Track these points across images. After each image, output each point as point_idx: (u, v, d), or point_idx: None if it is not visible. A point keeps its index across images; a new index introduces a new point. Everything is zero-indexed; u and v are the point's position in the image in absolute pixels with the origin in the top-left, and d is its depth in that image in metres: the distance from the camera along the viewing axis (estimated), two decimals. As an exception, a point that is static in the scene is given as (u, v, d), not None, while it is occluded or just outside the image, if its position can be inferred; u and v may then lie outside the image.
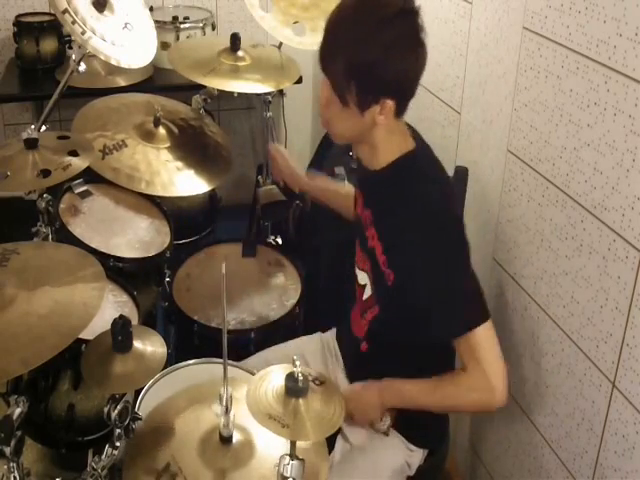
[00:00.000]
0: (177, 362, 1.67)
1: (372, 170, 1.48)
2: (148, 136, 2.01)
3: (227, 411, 1.15)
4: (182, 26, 2.82)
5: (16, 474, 1.15)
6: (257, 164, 3.03)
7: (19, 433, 1.14)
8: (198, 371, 1.65)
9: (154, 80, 2.78)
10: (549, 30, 1.48)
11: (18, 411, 1.17)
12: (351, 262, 1.73)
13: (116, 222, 1.98)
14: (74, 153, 1.64)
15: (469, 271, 1.44)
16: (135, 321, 1.66)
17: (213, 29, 2.96)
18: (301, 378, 1.07)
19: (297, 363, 1.07)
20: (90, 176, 1.91)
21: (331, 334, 1.83)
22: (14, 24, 2.77)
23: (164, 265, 2.03)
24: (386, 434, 1.57)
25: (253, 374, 1.52)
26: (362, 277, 1.59)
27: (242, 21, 3.02)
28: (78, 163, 1.61)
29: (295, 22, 2.22)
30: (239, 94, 2.14)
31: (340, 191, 1.94)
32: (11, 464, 1.15)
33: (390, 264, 1.45)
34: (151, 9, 2.71)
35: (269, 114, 2.44)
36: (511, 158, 1.68)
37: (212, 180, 2.06)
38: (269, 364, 1.69)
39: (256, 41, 2.33)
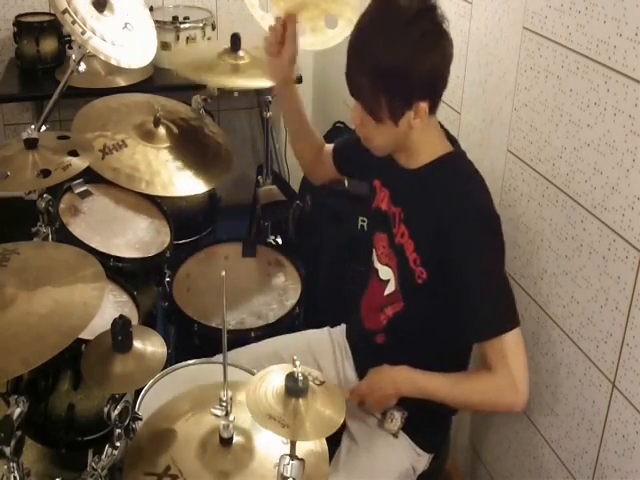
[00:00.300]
0: (177, 362, 1.67)
1: (409, 169, 1.49)
2: (148, 136, 2.01)
3: (227, 413, 1.15)
4: (182, 26, 2.82)
5: (16, 474, 1.15)
6: (257, 164, 3.04)
7: (19, 433, 1.14)
8: (198, 371, 1.65)
9: (154, 80, 2.78)
10: (549, 30, 1.48)
11: (18, 411, 1.17)
12: (351, 262, 1.74)
13: (116, 222, 1.98)
14: (74, 153, 1.64)
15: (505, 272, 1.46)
16: (135, 321, 1.66)
17: (213, 29, 2.96)
18: (301, 378, 1.07)
19: (297, 363, 1.07)
20: (90, 176, 1.91)
21: (340, 330, 1.82)
22: (14, 24, 2.77)
23: (164, 265, 2.02)
24: (395, 436, 1.57)
25: (253, 374, 1.52)
26: (385, 272, 1.58)
27: (242, 21, 3.02)
28: (78, 163, 1.61)
29: (295, 22, 2.22)
30: (239, 94, 2.15)
31: (315, 134, 1.87)
32: (11, 464, 1.15)
33: (424, 263, 1.44)
34: (151, 9, 2.71)
35: (269, 114, 2.44)
36: (511, 158, 1.68)
37: (212, 180, 2.06)
38: (276, 354, 1.70)
39: (256, 42, 2.33)
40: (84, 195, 1.96)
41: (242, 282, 2.15)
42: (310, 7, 2.00)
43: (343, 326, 1.83)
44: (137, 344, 1.21)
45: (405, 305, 1.53)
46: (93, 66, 2.55)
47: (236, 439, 1.18)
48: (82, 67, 1.88)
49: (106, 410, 1.19)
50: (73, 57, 1.89)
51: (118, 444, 1.22)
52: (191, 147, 2.08)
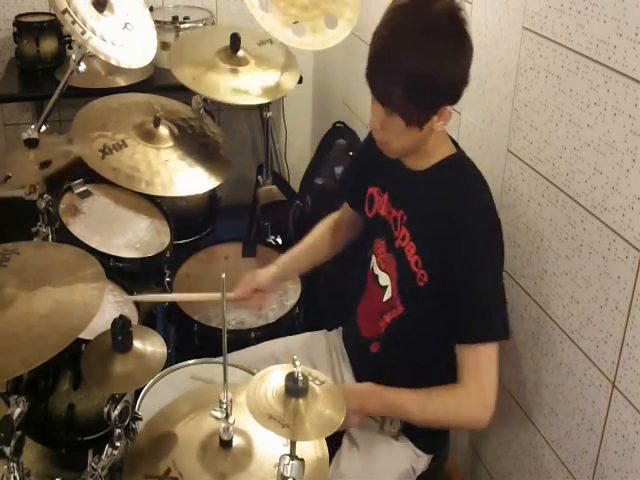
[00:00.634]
0: (177, 362, 1.67)
1: (416, 170, 1.49)
2: (148, 136, 2.01)
3: (227, 415, 1.15)
4: (182, 26, 2.82)
5: (16, 474, 1.15)
6: (257, 164, 3.04)
7: (19, 433, 1.14)
8: (198, 371, 1.65)
9: (154, 80, 2.77)
10: (549, 30, 1.48)
11: (18, 411, 1.17)
12: (351, 262, 1.73)
13: (116, 222, 1.98)
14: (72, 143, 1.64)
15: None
16: (135, 321, 1.66)
17: (213, 29, 2.96)
18: (301, 378, 1.07)
19: (297, 363, 1.07)
20: (90, 176, 1.92)
21: (337, 333, 1.82)
22: (14, 24, 2.77)
23: (164, 265, 2.03)
24: (396, 438, 1.56)
25: (253, 374, 1.52)
26: (384, 278, 1.58)
27: (242, 21, 3.02)
28: (76, 149, 1.60)
29: (295, 22, 2.22)
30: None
31: (307, 250, 1.85)
32: (11, 464, 1.15)
33: (425, 265, 1.44)
34: (151, 9, 2.71)
35: (269, 114, 2.44)
36: (511, 158, 1.68)
37: (212, 180, 2.06)
38: (274, 357, 1.69)
39: (256, 37, 2.33)
40: (84, 195, 1.96)
41: (242, 282, 2.15)
42: (310, 7, 2.00)
43: (340, 329, 1.83)
44: (137, 344, 1.21)
45: (404, 310, 1.52)
46: (93, 66, 2.55)
47: (236, 441, 1.18)
48: (82, 67, 1.88)
49: (106, 410, 1.19)
50: (73, 57, 1.89)
51: (118, 444, 1.22)
52: (191, 147, 2.08)
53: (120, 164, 1.90)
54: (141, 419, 1.29)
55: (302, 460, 1.08)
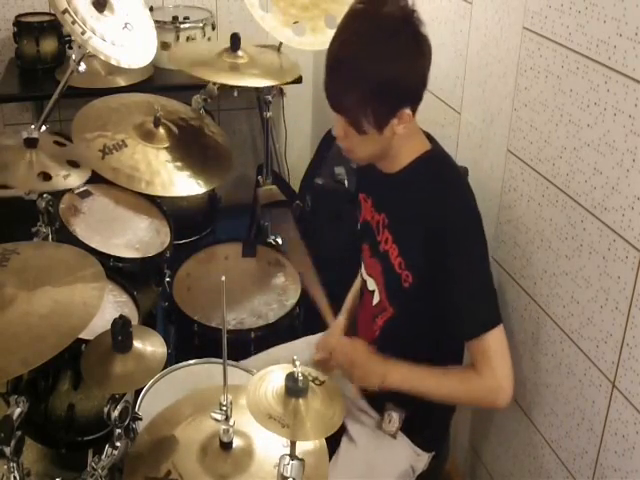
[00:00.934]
0: (177, 362, 1.67)
1: (388, 173, 1.48)
2: (148, 136, 2.01)
3: (227, 417, 1.15)
4: (182, 26, 2.82)
5: (16, 474, 1.16)
6: (257, 164, 3.04)
7: (19, 433, 1.14)
8: (198, 371, 1.65)
9: (154, 80, 2.78)
10: (549, 30, 1.48)
11: (18, 411, 1.17)
12: (352, 262, 1.73)
13: (116, 222, 1.98)
14: (73, 163, 1.64)
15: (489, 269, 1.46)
16: (135, 321, 1.66)
17: (213, 29, 2.96)
18: (301, 378, 1.07)
19: (297, 363, 1.07)
20: (90, 176, 1.91)
21: None
22: (14, 24, 2.77)
23: (164, 265, 2.03)
24: (394, 437, 1.57)
25: (253, 374, 1.52)
26: (371, 283, 1.58)
27: (242, 21, 3.02)
28: (77, 175, 1.61)
29: (295, 22, 2.23)
30: (239, 93, 2.15)
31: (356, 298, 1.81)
32: (11, 464, 1.15)
33: (408, 266, 1.44)
34: (151, 9, 2.71)
35: (269, 114, 2.44)
36: (511, 158, 1.68)
37: (212, 180, 2.06)
38: (272, 364, 1.69)
39: (257, 41, 2.33)
40: (84, 195, 1.96)
41: (242, 282, 2.15)
42: (310, 7, 2.00)
43: None
44: (137, 344, 1.21)
45: (394, 312, 1.53)
46: (93, 66, 2.55)
47: (236, 443, 1.18)
48: (82, 67, 1.88)
49: (106, 410, 1.19)
50: (73, 57, 1.89)
51: (118, 444, 1.22)
52: (191, 147, 2.08)
53: (120, 164, 1.90)
54: (141, 419, 1.30)
55: (302, 460, 1.08)
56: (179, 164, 2.01)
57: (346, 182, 2.23)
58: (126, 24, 1.94)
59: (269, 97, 2.39)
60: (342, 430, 1.59)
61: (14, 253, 1.33)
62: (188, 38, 2.84)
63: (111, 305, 1.71)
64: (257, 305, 2.07)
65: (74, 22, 1.78)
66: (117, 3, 1.93)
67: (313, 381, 1.11)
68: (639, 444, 1.31)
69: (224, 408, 1.15)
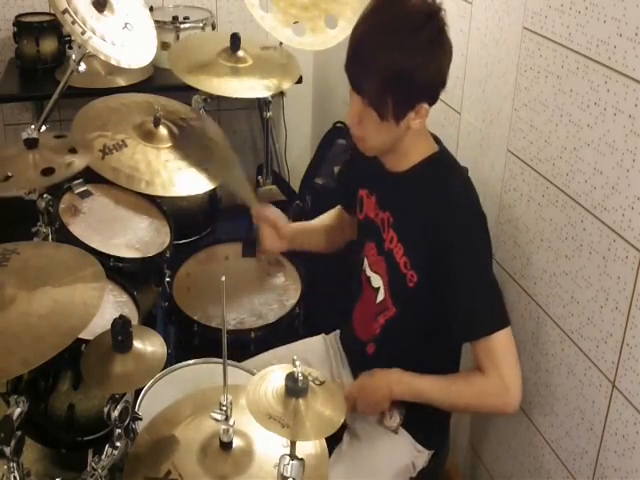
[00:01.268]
0: (177, 362, 1.67)
1: (395, 172, 1.49)
2: (148, 136, 2.00)
3: (227, 417, 1.15)
4: (182, 26, 2.82)
5: (16, 474, 1.16)
6: (257, 164, 3.04)
7: (19, 433, 1.14)
8: (198, 371, 1.65)
9: (154, 80, 2.77)
10: (549, 30, 1.48)
11: (18, 411, 1.17)
12: (352, 262, 1.73)
13: (116, 222, 1.98)
14: (74, 151, 1.64)
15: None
16: (135, 321, 1.66)
17: (213, 29, 2.96)
18: (301, 378, 1.07)
19: (297, 363, 1.07)
20: (90, 176, 1.91)
21: (334, 335, 1.83)
22: (14, 24, 2.77)
23: (164, 265, 2.03)
24: (395, 432, 1.57)
25: (253, 374, 1.52)
26: (376, 280, 1.58)
27: (242, 21, 3.02)
28: (79, 160, 1.61)
29: (295, 22, 2.23)
30: (239, 94, 2.14)
31: (317, 228, 1.88)
32: (11, 464, 1.15)
33: (414, 266, 1.45)
34: (151, 9, 2.71)
35: (269, 114, 2.44)
36: (511, 158, 1.68)
37: (212, 180, 2.05)
38: (272, 364, 1.70)
39: (256, 41, 2.33)
40: (84, 195, 1.96)
41: (242, 282, 2.15)
42: (310, 7, 2.00)
43: (337, 332, 1.83)
44: (137, 344, 1.21)
45: (396, 311, 1.53)
46: (93, 66, 2.55)
47: (236, 443, 1.18)
48: (82, 67, 1.88)
49: (106, 410, 1.19)
50: (73, 57, 1.88)
51: (118, 444, 1.22)
52: (191, 147, 2.07)
53: (120, 164, 1.90)
54: (141, 419, 1.30)
55: (302, 460, 1.08)
56: (179, 164, 2.01)
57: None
58: (126, 24, 1.94)
59: (269, 97, 2.39)
60: (344, 426, 1.59)
61: (14, 253, 1.33)
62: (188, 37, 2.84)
63: (111, 305, 1.71)
64: (257, 305, 2.07)
65: (74, 22, 1.78)
66: (117, 3, 1.93)
67: (313, 381, 1.11)
68: (639, 444, 1.31)
69: (224, 408, 1.15)
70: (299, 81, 2.48)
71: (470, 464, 2.03)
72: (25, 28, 2.77)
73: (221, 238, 2.37)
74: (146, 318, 1.83)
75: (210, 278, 2.14)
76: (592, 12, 1.34)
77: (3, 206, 2.26)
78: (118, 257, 1.84)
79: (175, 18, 2.83)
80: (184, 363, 1.67)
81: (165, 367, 1.56)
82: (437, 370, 1.48)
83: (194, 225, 2.37)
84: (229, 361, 1.16)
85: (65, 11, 1.78)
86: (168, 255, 1.98)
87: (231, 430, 1.16)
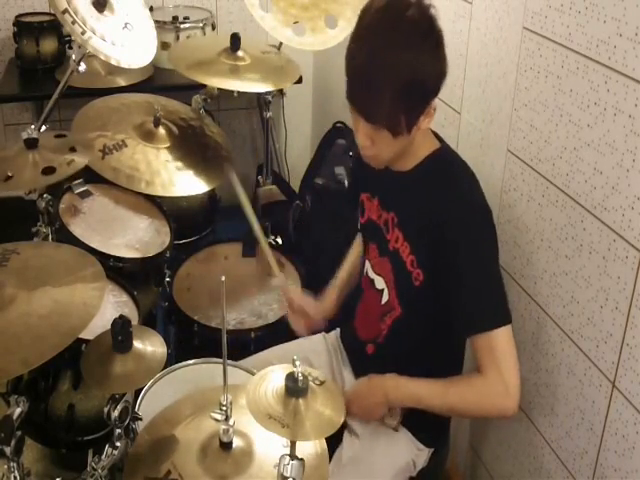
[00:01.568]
0: (177, 362, 1.67)
1: (399, 171, 1.48)
2: (148, 136, 2.01)
3: (227, 417, 1.15)
4: (182, 26, 2.83)
5: (16, 474, 1.15)
6: (257, 164, 3.04)
7: (19, 433, 1.14)
8: (198, 371, 1.65)
9: (154, 80, 2.78)
10: (549, 30, 1.48)
11: (18, 411, 1.17)
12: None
13: (116, 222, 1.98)
14: (74, 150, 1.64)
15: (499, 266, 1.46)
16: (135, 321, 1.66)
17: (213, 29, 2.96)
18: (301, 378, 1.07)
19: (297, 363, 1.07)
20: (90, 176, 1.92)
21: (335, 334, 1.83)
22: (14, 24, 2.77)
23: (164, 265, 2.03)
24: (395, 429, 1.57)
25: (253, 374, 1.52)
26: (379, 281, 1.58)
27: (242, 21, 3.03)
28: (80, 158, 1.61)
29: (295, 22, 2.23)
30: (239, 94, 2.15)
31: (351, 270, 1.83)
32: (11, 464, 1.15)
33: (420, 263, 1.44)
34: (151, 9, 2.71)
35: (269, 114, 2.44)
36: (511, 158, 1.68)
37: (212, 180, 2.06)
38: (270, 364, 1.70)
39: (256, 41, 2.33)
40: (84, 195, 1.96)
41: (242, 282, 2.15)
42: (310, 7, 2.00)
43: (337, 331, 1.83)
44: (137, 344, 1.21)
45: (402, 311, 1.53)
46: (93, 66, 2.55)
47: (236, 443, 1.18)
48: (82, 67, 1.88)
49: (106, 410, 1.19)
50: (73, 57, 1.88)
51: (118, 444, 1.22)
52: (191, 147, 2.08)
53: (120, 164, 1.90)
54: (141, 419, 1.29)
55: (302, 460, 1.08)
56: (179, 164, 2.01)
57: (346, 182, 2.23)
58: (126, 24, 1.94)
59: (269, 97, 2.39)
60: (344, 424, 1.59)
61: (14, 253, 1.33)
62: (188, 38, 2.84)
63: (111, 305, 1.71)
64: (257, 305, 2.07)
65: (74, 22, 1.78)
66: (117, 3, 1.93)
67: (313, 381, 1.11)
68: (639, 444, 1.31)
69: (224, 408, 1.15)
70: (299, 81, 2.48)
71: (470, 464, 2.03)
72: (25, 28, 2.77)
73: (221, 238, 2.37)
74: (146, 318, 1.83)
75: (210, 278, 2.14)
76: (592, 12, 1.34)
77: (3, 206, 2.27)
78: (118, 257, 1.84)
79: (175, 18, 2.83)
80: (184, 363, 1.67)
81: (165, 367, 1.56)
82: (439, 371, 1.47)
83: (194, 225, 2.37)
84: (229, 361, 1.16)
85: (65, 11, 1.78)
86: (168, 255, 1.98)
87: (231, 430, 1.16)
